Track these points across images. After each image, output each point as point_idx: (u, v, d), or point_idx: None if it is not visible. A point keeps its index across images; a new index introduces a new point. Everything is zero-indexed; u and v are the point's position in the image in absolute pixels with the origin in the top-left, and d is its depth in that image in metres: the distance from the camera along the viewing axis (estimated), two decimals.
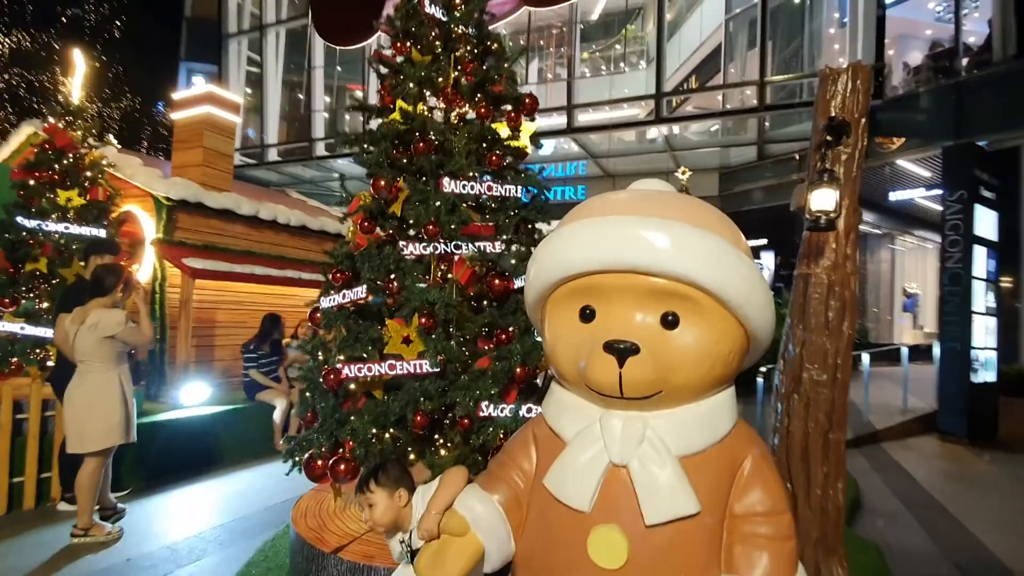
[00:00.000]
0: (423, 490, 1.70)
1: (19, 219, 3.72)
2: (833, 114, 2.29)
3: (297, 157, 16.99)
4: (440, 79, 2.48)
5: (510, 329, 2.40)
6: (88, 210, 3.92)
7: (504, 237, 2.46)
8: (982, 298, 6.85)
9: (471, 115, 2.59)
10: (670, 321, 1.34)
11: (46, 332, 3.54)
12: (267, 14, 16.88)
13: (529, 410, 2.25)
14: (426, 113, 2.47)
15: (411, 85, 2.45)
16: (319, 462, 2.33)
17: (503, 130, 2.58)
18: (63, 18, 21.42)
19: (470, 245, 2.37)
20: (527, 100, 2.60)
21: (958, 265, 6.67)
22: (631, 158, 14.38)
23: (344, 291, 2.41)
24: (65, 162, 3.89)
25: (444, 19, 2.55)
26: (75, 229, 3.83)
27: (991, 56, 9.70)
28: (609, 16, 17.16)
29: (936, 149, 9.58)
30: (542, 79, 16.33)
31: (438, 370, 2.21)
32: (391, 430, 2.28)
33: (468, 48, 2.54)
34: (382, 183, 2.37)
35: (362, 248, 2.54)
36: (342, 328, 2.46)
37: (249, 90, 18.23)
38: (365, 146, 2.60)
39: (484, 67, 2.55)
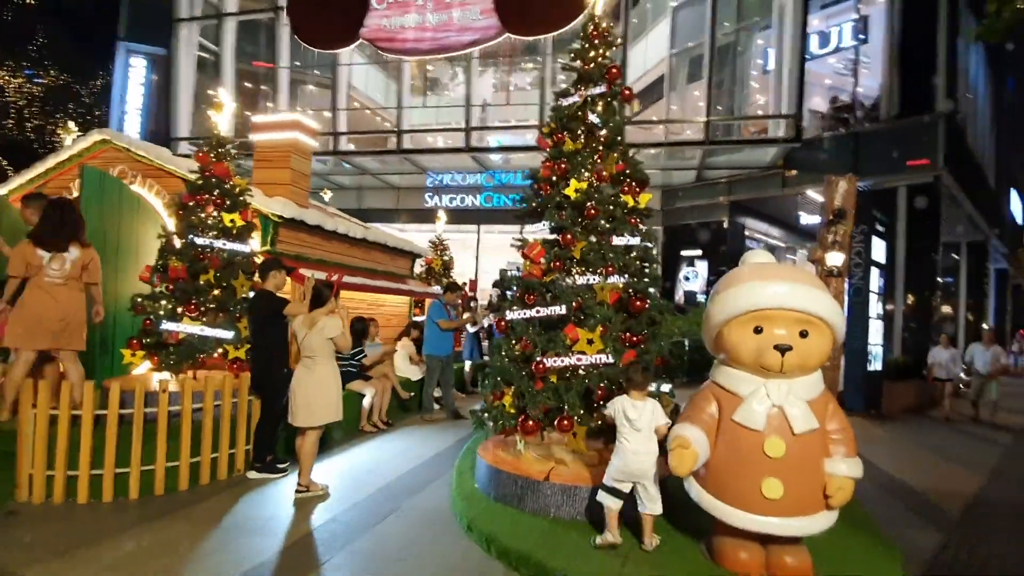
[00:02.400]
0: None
1: (191, 237, 4.36)
2: (837, 204, 3.78)
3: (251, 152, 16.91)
4: (598, 165, 3.71)
5: (642, 333, 3.68)
6: (246, 229, 4.61)
7: (631, 270, 3.75)
8: (875, 307, 9.09)
9: (606, 187, 3.84)
10: (804, 334, 2.71)
11: (223, 333, 4.24)
12: (226, 3, 16.58)
13: (660, 386, 3.56)
14: (593, 189, 3.68)
15: (583, 170, 3.65)
16: (531, 423, 3.48)
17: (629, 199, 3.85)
18: None
19: (618, 277, 3.62)
20: (647, 180, 3.89)
21: (861, 282, 8.81)
22: None
23: (538, 308, 3.57)
24: (224, 187, 4.55)
25: (599, 124, 3.78)
26: (230, 245, 4.52)
27: (879, 113, 12.30)
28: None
29: None
30: (501, 88, 17.30)
31: (613, 361, 3.45)
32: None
33: (615, 144, 3.78)
34: (569, 236, 3.56)
35: (538, 279, 3.71)
36: (532, 331, 3.61)
37: (194, 76, 17.72)
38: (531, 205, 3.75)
39: (625, 156, 3.80)
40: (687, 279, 15.74)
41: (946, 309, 16.89)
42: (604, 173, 3.71)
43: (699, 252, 15.27)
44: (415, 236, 12.77)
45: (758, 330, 2.75)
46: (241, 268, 4.51)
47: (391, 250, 7.91)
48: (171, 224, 5.71)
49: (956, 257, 17.45)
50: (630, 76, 17.30)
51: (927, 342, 11.55)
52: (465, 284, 9.76)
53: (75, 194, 6.28)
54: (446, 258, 9.95)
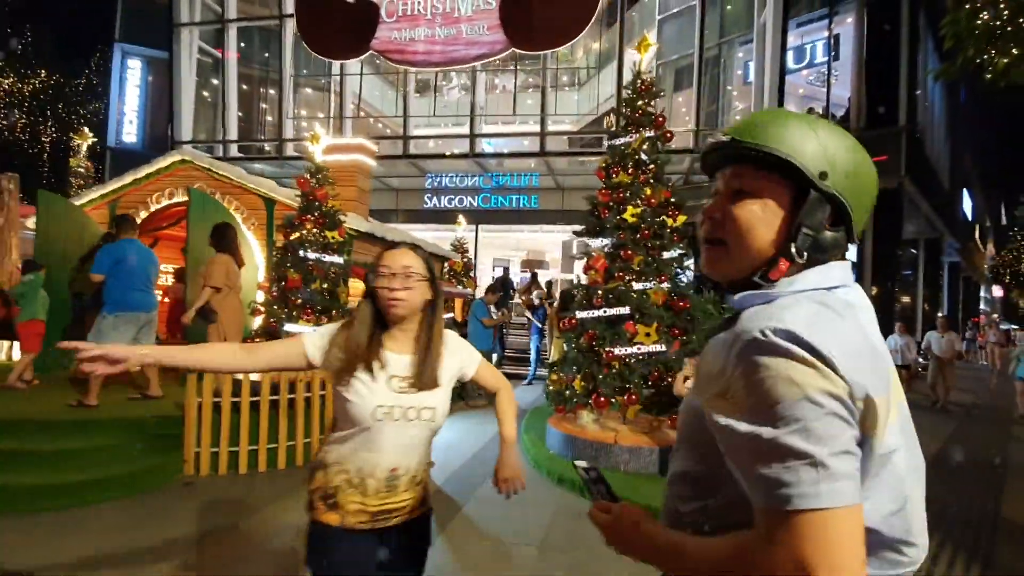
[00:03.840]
0: None
1: (301, 252, 5.12)
2: None
3: (256, 155, 17.43)
4: (648, 194, 4.67)
5: (682, 327, 4.66)
6: (342, 244, 5.39)
7: (674, 277, 4.72)
8: None
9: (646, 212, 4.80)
10: None
11: None
12: (229, 9, 16.91)
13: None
14: (646, 213, 4.64)
15: (638, 199, 4.60)
16: (603, 399, 4.43)
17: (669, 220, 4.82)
18: None
19: (666, 283, 4.59)
20: (684, 205, 4.87)
21: None
22: (582, 177, 16.92)
23: (605, 308, 4.51)
24: (324, 209, 5.32)
25: (647, 160, 4.73)
26: (328, 258, 5.30)
27: (849, 124, 13.60)
28: None
29: None
30: (491, 88, 18.10)
31: (664, 349, 4.43)
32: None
33: (661, 177, 4.74)
34: (629, 252, 4.50)
35: (601, 284, 4.65)
36: (600, 327, 4.55)
37: (195, 80, 17.99)
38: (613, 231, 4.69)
39: (668, 186, 4.77)
40: None
41: (905, 299, 18.50)
42: (653, 201, 4.67)
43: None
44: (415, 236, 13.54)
45: None
46: (341, 278, 5.32)
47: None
48: (251, 237, 6.46)
49: (914, 252, 19.11)
50: (614, 83, 18.37)
51: (891, 331, 12.96)
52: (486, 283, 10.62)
53: (152, 208, 6.96)
54: (466, 260, 10.80)
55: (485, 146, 16.49)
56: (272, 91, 18.46)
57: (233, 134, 17.26)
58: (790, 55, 15.12)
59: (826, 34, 14.26)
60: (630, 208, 4.62)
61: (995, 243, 37.92)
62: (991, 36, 6.07)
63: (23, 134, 21.42)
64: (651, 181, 4.74)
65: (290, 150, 16.77)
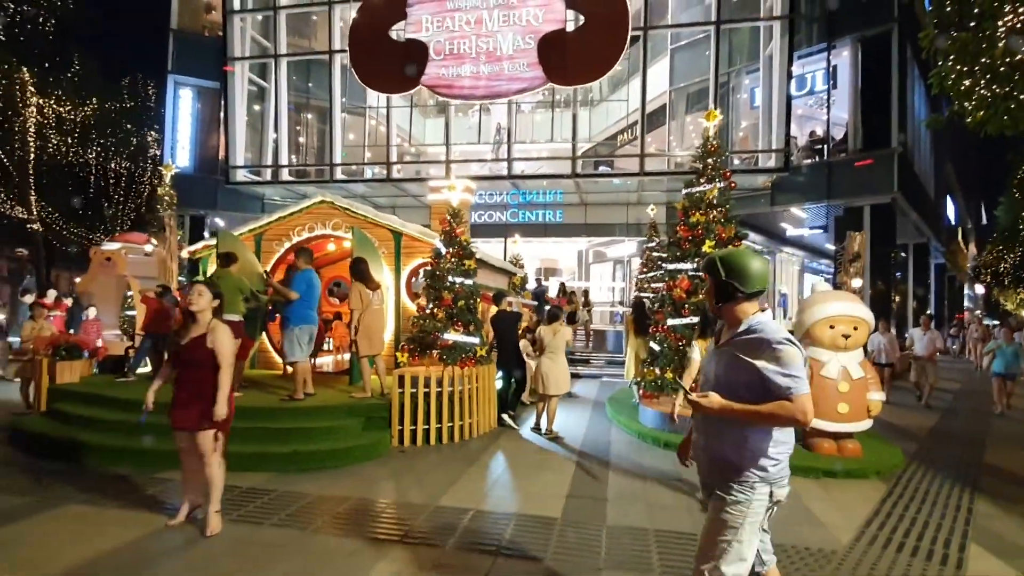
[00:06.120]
0: None
1: (450, 278, 6.65)
2: (855, 250, 6.44)
3: (304, 179, 18.93)
4: (720, 230, 6.27)
5: None
6: (475, 271, 6.93)
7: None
8: None
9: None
10: (855, 328, 5.40)
11: (473, 339, 6.58)
12: (279, 45, 18.39)
13: None
14: (719, 245, 6.23)
15: (712, 234, 6.21)
16: (695, 384, 6.01)
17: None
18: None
19: None
20: (746, 236, 6.46)
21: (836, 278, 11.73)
22: (605, 194, 18.53)
23: (682, 317, 6.10)
24: (461, 243, 6.87)
25: (716, 204, 6.34)
26: (467, 281, 6.83)
27: (847, 146, 15.32)
28: None
29: (812, 204, 15.10)
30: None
31: None
32: None
33: (731, 217, 6.36)
34: (706, 276, 6.08)
35: (685, 299, 6.25)
36: (685, 332, 6.13)
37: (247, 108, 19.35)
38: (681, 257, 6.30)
39: (733, 222, 6.38)
40: None
41: (897, 298, 20.29)
42: (723, 235, 6.28)
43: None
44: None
45: (832, 327, 5.37)
46: (474, 297, 6.86)
47: (501, 271, 10.28)
48: (384, 265, 7.97)
49: (904, 255, 20.93)
50: (633, 103, 20.03)
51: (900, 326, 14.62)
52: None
53: (294, 240, 8.46)
54: (522, 274, 12.33)
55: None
56: (317, 118, 20.01)
57: (284, 159, 18.73)
58: (793, 83, 16.88)
59: (825, 65, 15.99)
60: (708, 241, 6.23)
61: (976, 244, 40.08)
62: (970, 95, 7.73)
63: (75, 159, 22.70)
64: (721, 220, 6.35)
65: (339, 174, 18.28)
